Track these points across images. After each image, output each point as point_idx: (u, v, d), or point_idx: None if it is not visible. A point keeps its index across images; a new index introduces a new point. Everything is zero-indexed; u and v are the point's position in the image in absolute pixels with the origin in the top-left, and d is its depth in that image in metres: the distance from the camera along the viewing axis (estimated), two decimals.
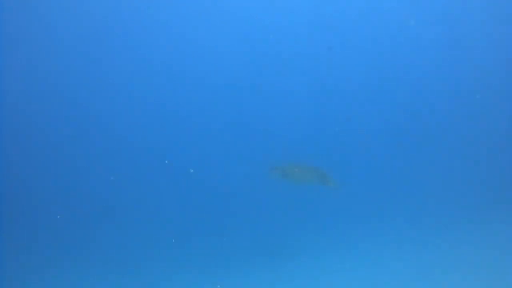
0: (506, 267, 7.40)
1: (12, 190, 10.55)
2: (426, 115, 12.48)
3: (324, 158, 10.67)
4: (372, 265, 7.87)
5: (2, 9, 10.81)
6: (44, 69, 11.33)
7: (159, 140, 12.02)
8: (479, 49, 12.48)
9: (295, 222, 10.11)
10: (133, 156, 11.74)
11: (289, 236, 9.61)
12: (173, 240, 9.66)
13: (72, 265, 8.90)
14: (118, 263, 9.14)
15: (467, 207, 10.16)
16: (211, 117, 12.23)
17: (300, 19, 12.59)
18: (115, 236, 10.00)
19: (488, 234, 8.59)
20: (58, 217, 10.31)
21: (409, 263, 7.90)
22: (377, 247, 8.65)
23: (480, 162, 11.64)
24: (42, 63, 11.37)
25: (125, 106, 11.90)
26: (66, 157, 11.26)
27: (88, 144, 11.52)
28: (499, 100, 12.30)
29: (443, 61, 12.63)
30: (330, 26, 12.50)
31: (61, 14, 11.22)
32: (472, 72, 12.44)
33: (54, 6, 11.16)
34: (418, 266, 7.78)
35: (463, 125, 12.35)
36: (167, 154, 11.84)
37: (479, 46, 12.48)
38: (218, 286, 8.16)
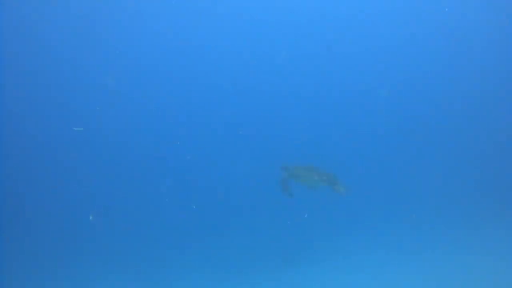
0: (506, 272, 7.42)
1: (12, 190, 10.55)
2: (435, 119, 12.48)
3: (335, 161, 10.66)
4: (380, 270, 7.85)
5: (2, 9, 10.80)
6: (44, 69, 11.34)
7: (165, 143, 12.04)
8: (480, 51, 12.47)
9: (304, 226, 10.13)
10: (137, 157, 11.75)
11: (298, 241, 9.63)
12: (176, 242, 9.68)
13: (72, 266, 8.91)
14: (119, 264, 9.14)
15: (477, 212, 10.18)
16: (219, 119, 12.24)
17: (300, 20, 12.61)
18: (118, 236, 10.03)
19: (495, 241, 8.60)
20: (60, 218, 10.34)
21: (417, 267, 7.92)
22: (386, 252, 8.64)
23: (487, 168, 11.65)
24: (42, 63, 11.38)
25: (126, 108, 11.91)
26: (66, 157, 11.26)
27: (90, 145, 11.53)
28: (501, 102, 12.30)
29: (448, 63, 12.63)
30: (332, 27, 12.53)
31: (62, 14, 11.23)
32: (475, 75, 12.43)
33: (54, 6, 11.17)
34: (427, 271, 7.80)
35: (470, 128, 12.35)
36: (175, 158, 11.87)
37: (480, 48, 12.47)
38: None
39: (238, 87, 12.46)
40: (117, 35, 11.83)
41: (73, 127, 11.31)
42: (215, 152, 11.97)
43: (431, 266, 7.96)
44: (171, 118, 12.41)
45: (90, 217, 9.51)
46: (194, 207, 9.60)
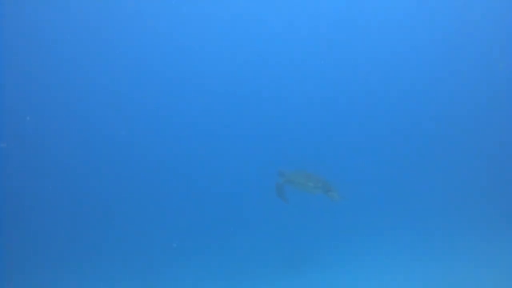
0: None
1: (12, 190, 10.53)
2: (436, 122, 12.51)
3: (336, 165, 10.70)
4: (383, 276, 7.83)
5: (2, 9, 10.80)
6: (45, 69, 11.34)
7: (166, 146, 12.05)
8: (481, 52, 12.50)
9: (305, 232, 10.12)
10: (138, 160, 11.75)
11: (299, 246, 9.61)
12: (174, 245, 9.64)
13: (73, 266, 8.87)
14: (120, 264, 9.11)
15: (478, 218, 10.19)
16: (218, 123, 12.25)
17: (301, 22, 12.64)
18: (119, 238, 10.01)
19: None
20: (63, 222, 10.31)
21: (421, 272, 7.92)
22: (389, 258, 8.62)
23: (487, 170, 11.67)
24: (42, 64, 11.38)
25: (127, 110, 11.93)
26: (67, 158, 11.26)
27: (90, 145, 11.54)
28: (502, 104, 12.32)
29: (448, 65, 12.68)
30: (332, 32, 12.58)
31: (62, 15, 11.24)
32: (476, 77, 12.46)
33: (55, 7, 11.17)
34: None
35: (472, 131, 12.37)
36: (175, 162, 11.87)
37: (481, 49, 12.50)
38: None
39: (236, 89, 12.49)
40: (118, 36, 11.86)
41: (73, 126, 11.32)
42: (215, 156, 11.98)
43: (433, 270, 7.96)
44: (171, 120, 12.43)
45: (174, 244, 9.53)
46: (175, 245, 9.57)
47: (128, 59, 11.98)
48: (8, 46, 11.01)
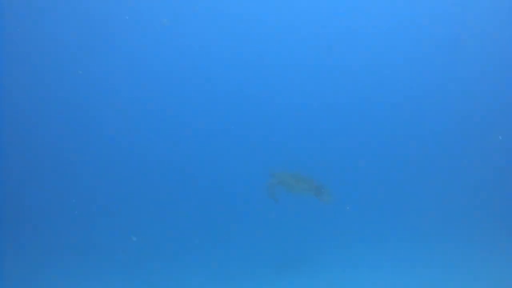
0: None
1: (12, 190, 10.56)
2: (432, 124, 12.53)
3: (330, 169, 10.72)
4: (380, 278, 7.87)
5: (2, 9, 10.81)
6: (45, 69, 11.35)
7: (161, 145, 12.06)
8: (482, 53, 12.48)
9: (300, 233, 10.15)
10: (136, 160, 11.77)
11: (293, 248, 9.65)
12: (134, 239, 9.64)
13: (72, 266, 8.90)
14: (119, 264, 9.15)
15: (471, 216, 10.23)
16: (213, 123, 12.26)
17: (300, 21, 12.62)
18: (117, 237, 10.04)
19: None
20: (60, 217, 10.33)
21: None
22: (386, 260, 8.66)
23: (485, 171, 11.70)
24: (42, 64, 11.39)
25: (124, 109, 11.95)
26: (67, 158, 11.29)
27: (91, 145, 11.56)
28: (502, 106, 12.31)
29: (448, 67, 12.67)
30: (332, 29, 12.55)
31: (61, 15, 11.23)
32: (477, 80, 12.45)
33: (55, 7, 11.17)
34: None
35: (469, 132, 12.39)
36: (170, 160, 11.88)
37: (482, 50, 12.49)
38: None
39: (230, 90, 12.48)
40: (118, 37, 11.86)
41: (74, 126, 11.34)
42: (213, 156, 11.99)
43: (432, 271, 8.00)
44: (170, 120, 12.44)
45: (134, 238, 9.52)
46: (134, 239, 9.58)
47: (127, 59, 12.00)
48: (8, 45, 11.02)
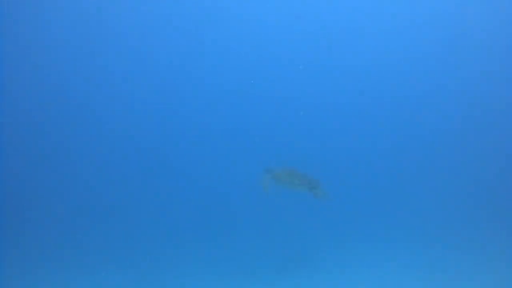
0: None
1: (12, 190, 10.58)
2: (430, 122, 12.49)
3: (327, 166, 10.73)
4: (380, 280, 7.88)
5: (2, 9, 10.80)
6: (45, 69, 11.34)
7: (158, 143, 12.06)
8: (483, 55, 12.41)
9: (301, 234, 10.16)
10: (133, 157, 11.77)
11: (294, 249, 9.66)
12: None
13: (72, 266, 8.94)
14: (118, 263, 9.18)
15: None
16: (209, 121, 12.23)
17: (298, 21, 12.58)
18: (116, 236, 10.07)
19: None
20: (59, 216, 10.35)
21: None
22: (386, 261, 8.67)
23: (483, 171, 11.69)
24: (42, 64, 11.38)
25: (122, 107, 11.94)
26: (67, 157, 11.30)
27: (90, 146, 11.56)
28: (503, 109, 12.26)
29: (449, 69, 12.61)
30: (331, 28, 12.51)
31: (61, 15, 11.22)
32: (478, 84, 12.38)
33: (54, 7, 11.15)
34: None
35: (465, 131, 12.35)
36: (166, 157, 11.87)
37: (483, 52, 12.42)
38: None
39: (226, 88, 12.44)
40: (118, 37, 11.84)
41: (73, 126, 11.35)
42: (208, 156, 11.98)
43: (431, 271, 8.03)
44: (168, 121, 12.42)
45: None
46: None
47: (126, 60, 11.98)
48: (8, 45, 11.02)
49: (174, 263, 9.09)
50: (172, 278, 8.39)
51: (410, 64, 12.60)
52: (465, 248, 8.94)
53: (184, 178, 11.79)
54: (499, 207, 10.57)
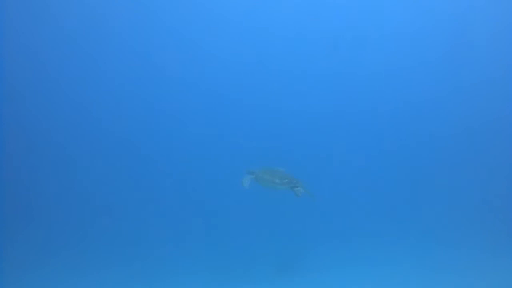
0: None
1: (12, 190, 10.58)
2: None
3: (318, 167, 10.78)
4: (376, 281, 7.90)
5: (2, 9, 10.80)
6: (45, 69, 11.34)
7: (159, 145, 12.05)
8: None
9: (299, 235, 10.17)
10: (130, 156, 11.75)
11: (292, 250, 9.68)
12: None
13: (72, 265, 8.95)
14: (118, 263, 9.19)
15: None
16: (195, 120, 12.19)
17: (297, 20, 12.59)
18: (116, 237, 10.09)
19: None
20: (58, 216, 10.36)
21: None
22: (385, 264, 8.68)
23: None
24: (42, 63, 11.38)
25: (123, 108, 11.94)
26: (66, 157, 11.30)
27: (89, 145, 11.56)
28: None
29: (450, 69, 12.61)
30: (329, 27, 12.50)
31: (62, 15, 11.23)
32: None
33: (54, 7, 11.16)
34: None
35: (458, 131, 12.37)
36: (165, 160, 11.81)
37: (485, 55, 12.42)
38: None
39: (218, 90, 12.42)
40: (118, 37, 11.85)
41: (74, 126, 11.35)
42: (203, 157, 11.93)
43: (427, 268, 8.05)
44: (167, 120, 12.42)
45: None
46: None
47: (124, 61, 11.98)
48: (9, 45, 11.02)
49: (169, 262, 9.10)
50: (166, 277, 8.40)
51: (411, 67, 12.63)
52: (462, 246, 8.96)
53: (176, 179, 11.72)
54: (499, 207, 10.60)
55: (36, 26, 11.14)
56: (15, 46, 11.09)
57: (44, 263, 9.03)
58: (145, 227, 10.46)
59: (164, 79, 12.24)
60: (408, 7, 12.59)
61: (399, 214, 10.81)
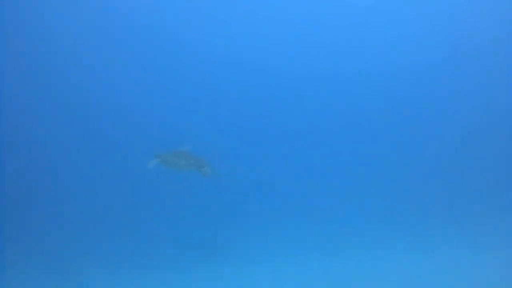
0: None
1: (12, 190, 10.60)
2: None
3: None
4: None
5: (2, 9, 10.82)
6: (45, 69, 11.37)
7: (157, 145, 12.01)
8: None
9: (221, 223, 10.15)
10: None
11: (214, 238, 9.66)
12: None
13: (72, 265, 8.97)
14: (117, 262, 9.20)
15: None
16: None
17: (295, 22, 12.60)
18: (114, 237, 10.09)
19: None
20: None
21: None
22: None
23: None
24: (42, 63, 11.40)
25: (122, 108, 11.97)
26: (66, 157, 11.32)
27: (88, 145, 11.58)
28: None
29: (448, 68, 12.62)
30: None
31: (62, 15, 11.24)
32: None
33: (54, 7, 11.18)
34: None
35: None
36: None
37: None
38: None
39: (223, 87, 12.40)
40: (117, 37, 11.87)
41: (74, 126, 11.36)
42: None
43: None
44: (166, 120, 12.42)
45: None
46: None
47: (122, 61, 12.01)
48: (8, 44, 11.03)
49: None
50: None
51: (412, 68, 12.64)
52: (462, 246, 8.96)
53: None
54: (499, 206, 10.60)
55: (35, 30, 11.18)
56: (13, 50, 11.13)
57: (44, 263, 9.04)
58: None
59: (163, 81, 12.28)
60: (408, 8, 12.61)
61: (399, 214, 10.80)
